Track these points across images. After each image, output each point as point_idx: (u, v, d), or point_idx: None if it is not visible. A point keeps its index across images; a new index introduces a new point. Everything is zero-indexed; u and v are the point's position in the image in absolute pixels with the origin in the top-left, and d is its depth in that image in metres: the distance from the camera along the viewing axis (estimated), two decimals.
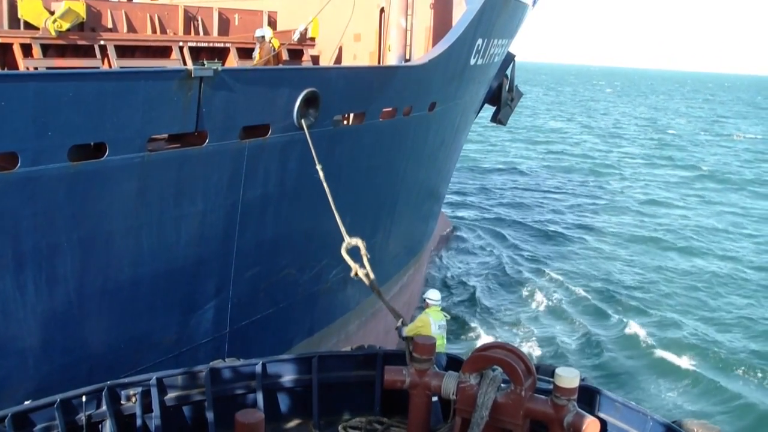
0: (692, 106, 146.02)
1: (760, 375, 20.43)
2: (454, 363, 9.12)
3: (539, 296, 26.19)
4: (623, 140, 77.16)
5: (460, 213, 38.39)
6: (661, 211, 41.03)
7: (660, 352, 21.65)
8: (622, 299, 26.15)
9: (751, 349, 22.22)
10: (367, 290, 16.77)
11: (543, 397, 7.49)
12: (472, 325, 23.10)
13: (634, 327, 23.36)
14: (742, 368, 20.90)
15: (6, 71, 12.37)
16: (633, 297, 26.42)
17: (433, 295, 10.01)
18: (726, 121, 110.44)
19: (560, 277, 28.37)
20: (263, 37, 15.43)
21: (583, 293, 26.63)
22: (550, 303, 25.62)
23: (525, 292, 26.72)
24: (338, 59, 19.55)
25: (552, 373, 7.56)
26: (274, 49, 15.47)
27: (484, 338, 21.69)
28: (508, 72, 25.01)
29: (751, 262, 31.42)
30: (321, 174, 11.23)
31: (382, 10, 18.59)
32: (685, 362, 21.21)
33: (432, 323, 9.38)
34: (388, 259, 18.26)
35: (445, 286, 26.32)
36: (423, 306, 10.10)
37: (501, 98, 25.26)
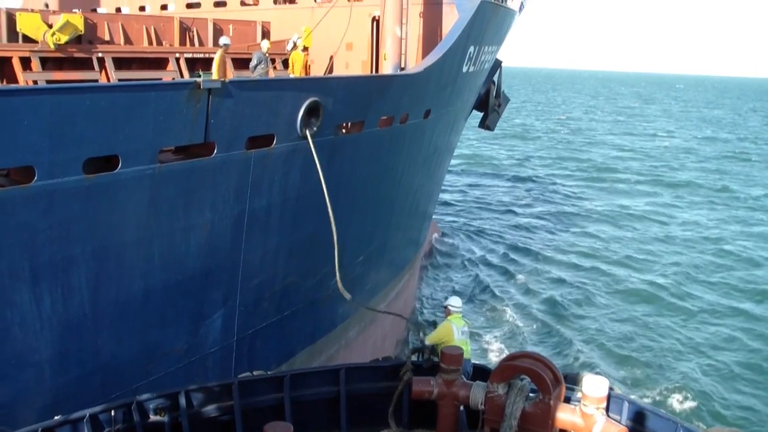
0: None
1: None
2: (481, 373, 9.09)
3: (534, 302, 26.42)
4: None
5: (448, 218, 38.63)
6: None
7: (681, 363, 21.68)
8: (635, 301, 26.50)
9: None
10: (366, 298, 17.01)
11: (571, 406, 7.45)
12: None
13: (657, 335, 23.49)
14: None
15: (23, 86, 12.44)
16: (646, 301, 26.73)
17: (455, 302, 10.04)
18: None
19: (553, 282, 28.77)
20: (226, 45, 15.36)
21: (582, 299, 26.92)
22: (547, 309, 25.80)
23: (519, 298, 26.94)
24: (330, 68, 19.72)
25: (580, 382, 7.51)
26: (272, 61, 15.60)
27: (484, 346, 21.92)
28: (496, 78, 25.32)
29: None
30: (323, 182, 11.37)
31: (374, 20, 18.81)
32: (709, 369, 21.24)
33: (455, 330, 9.49)
34: (386, 265, 18.41)
35: (439, 294, 26.50)
36: (444, 313, 10.14)
37: (489, 104, 25.56)
